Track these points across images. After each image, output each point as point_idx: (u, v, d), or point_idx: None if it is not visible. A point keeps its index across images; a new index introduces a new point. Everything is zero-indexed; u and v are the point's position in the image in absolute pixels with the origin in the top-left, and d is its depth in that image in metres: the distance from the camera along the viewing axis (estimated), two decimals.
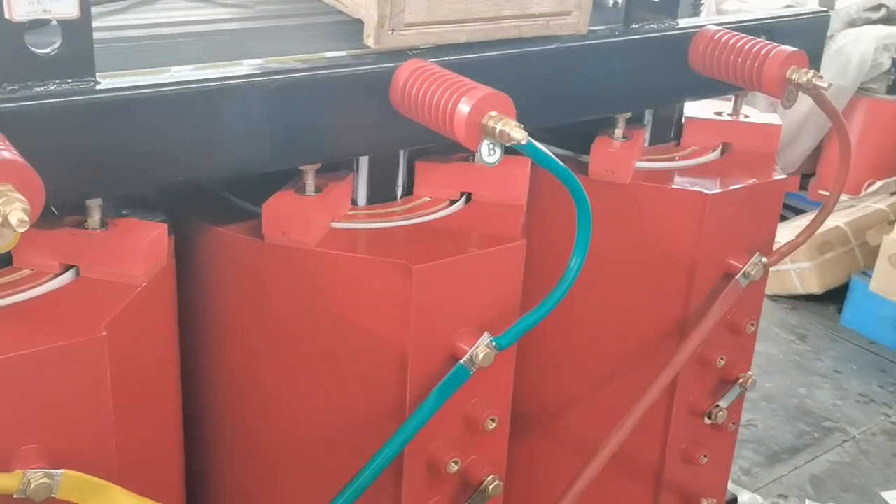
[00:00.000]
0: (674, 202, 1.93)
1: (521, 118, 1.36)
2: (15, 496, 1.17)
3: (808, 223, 2.06)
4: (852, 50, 5.23)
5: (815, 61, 1.95)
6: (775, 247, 2.06)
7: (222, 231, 1.57)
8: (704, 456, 2.12)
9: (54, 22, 1.23)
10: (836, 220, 4.64)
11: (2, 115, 1.18)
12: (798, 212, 5.14)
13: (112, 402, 1.28)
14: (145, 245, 1.39)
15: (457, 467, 1.61)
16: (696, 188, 1.91)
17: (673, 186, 1.93)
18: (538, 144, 1.36)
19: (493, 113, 1.35)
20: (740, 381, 2.09)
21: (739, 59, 1.80)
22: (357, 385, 1.59)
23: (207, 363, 1.69)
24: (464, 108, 1.36)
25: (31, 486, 1.17)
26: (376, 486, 1.51)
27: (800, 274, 4.66)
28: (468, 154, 1.76)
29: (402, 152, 1.70)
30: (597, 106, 1.83)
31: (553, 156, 1.38)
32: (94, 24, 1.27)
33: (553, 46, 1.68)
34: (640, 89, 1.86)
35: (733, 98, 2.14)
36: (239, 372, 1.67)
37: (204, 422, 1.74)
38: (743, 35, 1.82)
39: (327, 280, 1.54)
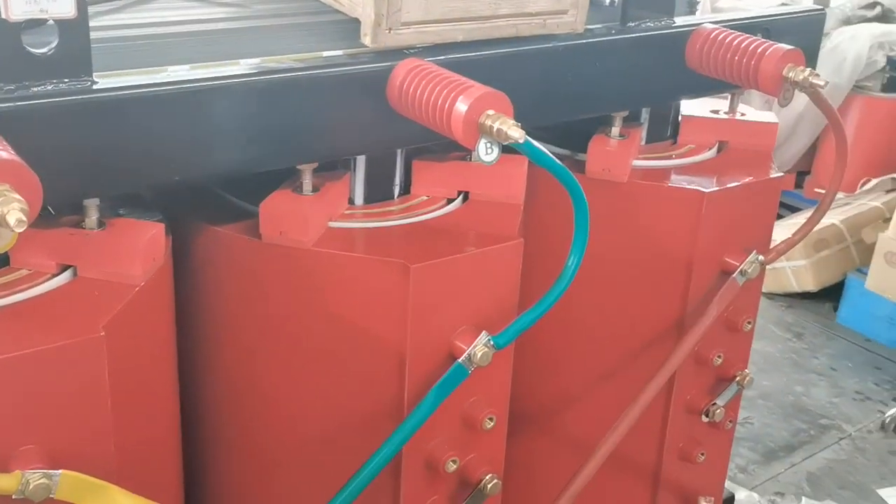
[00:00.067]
0: (671, 200, 1.93)
1: (519, 117, 1.36)
2: (14, 497, 1.17)
3: (804, 221, 2.07)
4: (847, 48, 5.24)
5: (811, 59, 1.95)
6: (772, 245, 2.07)
7: (219, 230, 1.57)
8: (702, 454, 2.12)
9: (51, 21, 1.23)
10: (832, 217, 4.65)
11: None
12: (793, 210, 5.15)
13: (110, 401, 1.28)
14: (143, 245, 1.38)
15: (455, 466, 1.61)
16: (692, 186, 1.91)
17: (670, 185, 1.93)
18: (536, 143, 1.37)
19: (491, 112, 1.35)
20: (737, 378, 2.09)
21: (736, 58, 1.80)
22: (355, 384, 1.59)
23: (205, 363, 1.69)
24: (461, 106, 1.36)
25: (30, 487, 1.17)
26: (375, 485, 1.51)
27: (796, 272, 4.67)
28: (465, 153, 1.76)
29: (399, 151, 1.70)
30: (594, 104, 1.83)
31: (551, 154, 1.38)
32: (90, 23, 1.27)
33: (550, 45, 1.68)
34: (636, 88, 1.86)
35: (730, 96, 2.14)
36: (237, 371, 1.67)
37: (202, 421, 1.73)
38: (739, 33, 1.83)
39: (325, 279, 1.54)
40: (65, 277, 1.37)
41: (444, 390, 1.53)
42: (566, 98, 1.76)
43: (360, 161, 1.66)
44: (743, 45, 1.80)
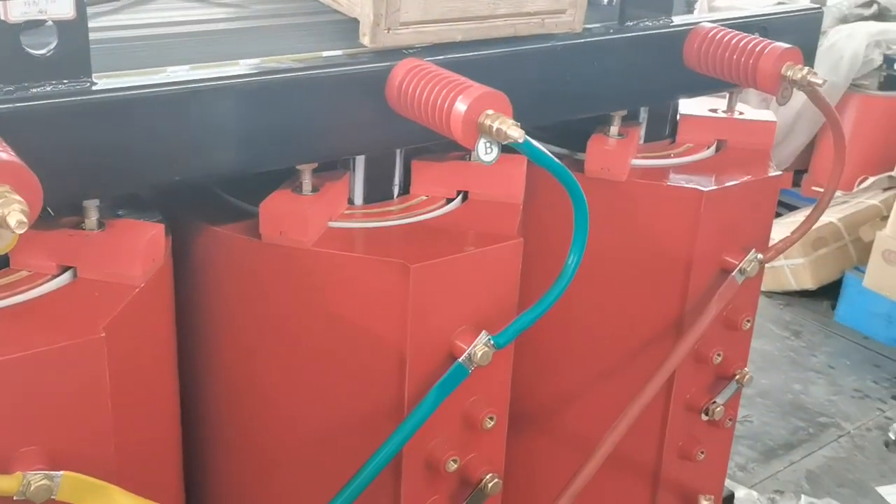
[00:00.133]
0: (669, 199, 1.93)
1: (517, 116, 1.36)
2: (15, 498, 1.17)
3: (802, 219, 2.07)
4: (844, 46, 5.25)
5: (808, 58, 1.96)
6: (770, 243, 2.07)
7: (219, 231, 1.57)
8: (701, 452, 2.12)
9: (50, 22, 1.23)
10: (830, 216, 4.66)
11: None
12: (791, 208, 5.15)
13: (111, 402, 1.28)
14: (143, 245, 1.38)
15: (455, 466, 1.62)
16: (691, 185, 1.92)
17: (668, 184, 1.93)
18: (535, 143, 1.37)
19: (490, 111, 1.35)
20: (737, 377, 2.09)
21: (734, 56, 1.80)
22: (355, 384, 1.59)
23: (205, 363, 1.69)
24: (461, 106, 1.36)
25: (32, 488, 1.17)
26: (375, 484, 1.51)
27: (794, 270, 4.68)
28: (464, 153, 1.76)
29: (398, 151, 1.70)
30: (592, 104, 1.83)
31: (550, 154, 1.38)
32: (89, 24, 1.27)
33: (548, 45, 1.68)
34: (635, 87, 1.86)
35: (728, 95, 2.14)
36: (237, 372, 1.67)
37: (202, 421, 1.73)
38: (738, 32, 1.83)
39: (325, 279, 1.54)
40: (65, 278, 1.37)
41: (445, 390, 1.53)
42: (565, 97, 1.76)
43: (360, 161, 1.66)
44: (741, 43, 1.80)
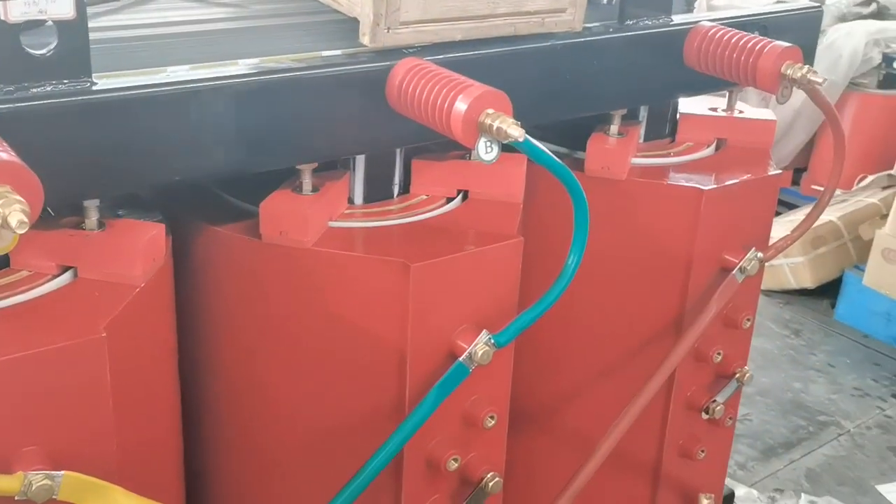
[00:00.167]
0: (670, 198, 1.93)
1: (517, 115, 1.36)
2: (16, 498, 1.17)
3: (802, 218, 2.07)
4: (843, 45, 5.25)
5: (808, 56, 1.96)
6: (770, 242, 2.07)
7: (220, 231, 1.57)
8: (702, 451, 2.12)
9: (50, 22, 1.22)
10: (829, 214, 4.66)
11: None
12: (791, 207, 5.15)
13: (112, 402, 1.28)
14: (143, 245, 1.38)
15: (456, 465, 1.62)
16: (691, 184, 1.92)
17: (668, 182, 1.94)
18: (535, 142, 1.37)
19: (490, 110, 1.35)
20: (737, 375, 2.09)
21: (734, 55, 1.80)
22: (356, 384, 1.59)
23: (206, 363, 1.69)
24: (461, 105, 1.36)
25: (33, 488, 1.17)
26: (376, 484, 1.51)
27: (793, 269, 4.68)
28: (464, 152, 1.76)
29: (398, 151, 1.70)
30: (592, 103, 1.83)
31: (550, 153, 1.38)
32: (89, 24, 1.27)
33: (548, 44, 1.68)
34: (635, 86, 1.86)
35: (727, 94, 2.14)
36: (237, 371, 1.67)
37: (203, 421, 1.73)
38: (737, 31, 1.83)
39: (325, 279, 1.54)
40: (65, 279, 1.37)
41: (445, 389, 1.53)
42: (565, 96, 1.76)
43: (360, 160, 1.66)
44: (741, 42, 1.80)
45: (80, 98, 1.24)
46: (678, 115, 2.13)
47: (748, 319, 2.05)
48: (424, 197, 1.72)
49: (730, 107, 2.15)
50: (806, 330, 4.52)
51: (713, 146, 2.11)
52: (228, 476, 1.78)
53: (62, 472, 1.20)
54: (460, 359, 1.53)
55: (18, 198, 1.04)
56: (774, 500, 3.37)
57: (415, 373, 1.54)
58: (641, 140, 2.07)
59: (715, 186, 1.91)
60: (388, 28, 1.49)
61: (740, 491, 3.34)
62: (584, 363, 2.11)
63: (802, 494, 3.39)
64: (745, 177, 1.98)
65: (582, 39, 1.72)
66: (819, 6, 2.16)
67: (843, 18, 5.46)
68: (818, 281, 4.67)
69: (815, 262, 4.65)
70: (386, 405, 1.58)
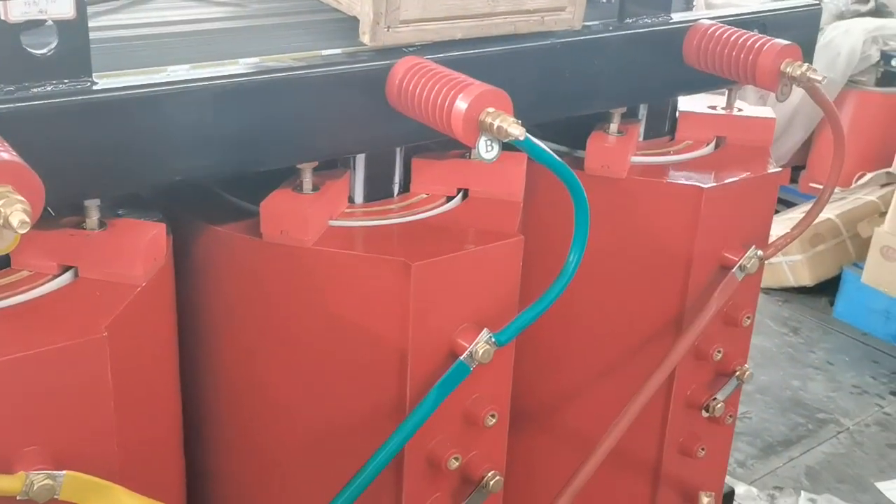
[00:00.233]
0: (669, 196, 1.93)
1: (517, 114, 1.36)
2: (18, 497, 1.17)
3: (801, 216, 2.07)
4: (841, 42, 5.25)
5: (807, 54, 1.96)
6: (769, 240, 2.07)
7: (220, 230, 1.57)
8: (702, 449, 2.12)
9: (50, 22, 1.22)
10: (828, 212, 4.66)
11: None
12: (789, 205, 5.16)
13: (113, 402, 1.28)
14: (144, 245, 1.38)
15: (457, 464, 1.62)
16: (691, 182, 1.92)
17: (668, 181, 1.94)
18: (536, 140, 1.37)
19: (491, 109, 1.35)
20: (737, 373, 2.09)
21: (734, 53, 1.80)
22: (357, 383, 1.59)
23: (206, 362, 1.69)
24: (461, 104, 1.36)
25: (35, 488, 1.17)
26: (377, 483, 1.52)
27: (792, 266, 4.68)
28: (464, 150, 1.76)
29: (398, 149, 1.70)
30: (592, 101, 1.83)
31: (551, 152, 1.38)
32: (89, 24, 1.27)
33: (548, 42, 1.68)
34: (634, 84, 1.86)
35: (727, 92, 2.14)
36: (238, 371, 1.67)
37: (204, 421, 1.73)
38: (736, 29, 1.83)
39: (326, 278, 1.54)
40: (66, 278, 1.37)
41: (446, 388, 1.53)
42: (564, 95, 1.76)
43: (360, 159, 1.66)
44: (740, 40, 1.80)
45: (80, 98, 1.24)
46: (677, 114, 2.13)
47: (748, 317, 2.06)
48: (425, 196, 1.72)
49: (729, 105, 2.15)
50: (805, 328, 4.52)
51: (712, 144, 2.11)
52: (229, 476, 1.78)
53: (64, 471, 1.20)
54: (461, 357, 1.53)
55: (20, 198, 1.04)
56: (774, 497, 3.38)
57: (415, 372, 1.54)
58: (641, 138, 2.07)
59: (715, 184, 1.92)
60: (389, 27, 1.49)
61: (740, 489, 3.34)
62: (584, 362, 2.11)
63: (802, 492, 3.39)
64: (744, 175, 1.98)
65: (581, 38, 1.72)
66: (818, 4, 2.16)
67: (842, 16, 5.46)
68: (817, 279, 4.67)
69: (814, 260, 4.65)
70: (387, 404, 1.58)
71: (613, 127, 1.95)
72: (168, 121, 1.32)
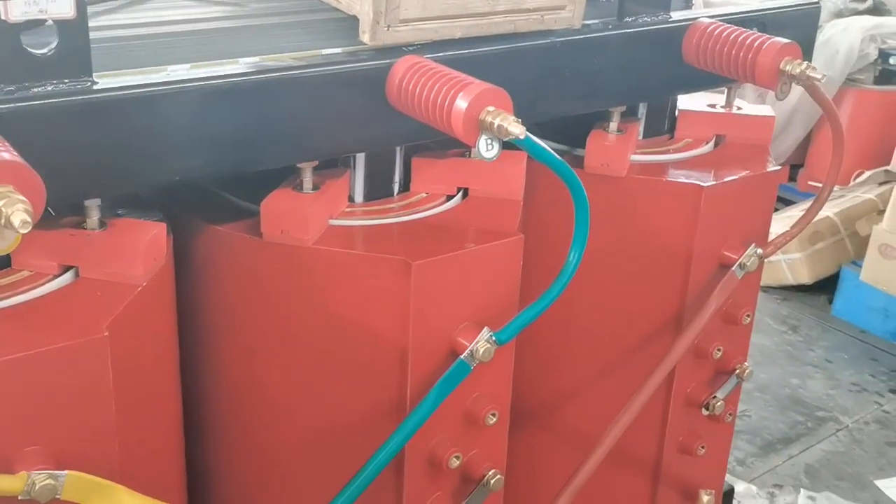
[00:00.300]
0: (669, 195, 1.93)
1: (517, 113, 1.36)
2: (20, 497, 1.17)
3: (800, 214, 2.07)
4: (840, 41, 5.26)
5: (806, 53, 1.96)
6: (769, 238, 2.07)
7: (220, 230, 1.57)
8: (702, 447, 2.12)
9: (50, 22, 1.22)
10: (826, 210, 4.66)
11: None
12: (787, 203, 5.16)
13: (114, 401, 1.28)
14: (144, 245, 1.38)
15: (458, 462, 1.62)
16: (690, 181, 1.92)
17: (668, 179, 1.94)
18: (535, 139, 1.37)
19: (491, 108, 1.35)
20: (737, 371, 2.09)
21: (733, 52, 1.80)
22: (357, 382, 1.60)
23: (207, 362, 1.69)
24: (461, 103, 1.36)
25: (36, 488, 1.17)
26: (378, 482, 1.52)
27: (790, 265, 4.68)
28: (464, 149, 1.76)
29: (398, 149, 1.70)
30: (592, 100, 1.83)
31: (551, 150, 1.38)
32: (88, 23, 1.27)
33: (547, 41, 1.68)
34: (634, 82, 1.86)
35: (726, 90, 2.15)
36: (238, 370, 1.67)
37: (204, 420, 1.73)
38: (736, 27, 1.83)
39: (326, 277, 1.54)
40: (67, 278, 1.37)
41: (447, 387, 1.53)
42: (564, 93, 1.76)
43: (360, 159, 1.66)
44: (740, 39, 1.80)
45: (81, 97, 1.24)
46: (677, 112, 2.13)
47: (748, 315, 2.06)
48: (425, 195, 1.72)
49: (728, 103, 2.15)
50: (803, 326, 4.52)
51: (712, 143, 2.11)
52: (230, 475, 1.78)
53: (65, 471, 1.20)
54: (462, 356, 1.53)
55: (21, 197, 1.04)
56: (773, 495, 3.38)
57: (416, 371, 1.54)
58: (640, 137, 2.07)
59: (714, 183, 1.92)
60: (388, 26, 1.49)
61: (739, 487, 3.34)
62: (583, 360, 2.12)
63: (801, 490, 3.39)
64: (744, 173, 1.98)
65: (581, 36, 1.72)
66: (817, 2, 2.16)
67: (840, 14, 5.47)
68: (815, 277, 4.68)
69: (813, 258, 4.65)
70: (387, 403, 1.58)
71: (613, 125, 1.95)
72: (168, 120, 1.32)
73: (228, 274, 1.61)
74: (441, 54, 1.52)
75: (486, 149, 1.37)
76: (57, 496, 1.19)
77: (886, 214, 4.30)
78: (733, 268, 1.94)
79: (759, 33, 1.82)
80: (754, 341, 2.18)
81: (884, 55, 5.30)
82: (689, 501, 2.21)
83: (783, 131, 5.39)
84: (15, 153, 1.09)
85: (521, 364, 1.72)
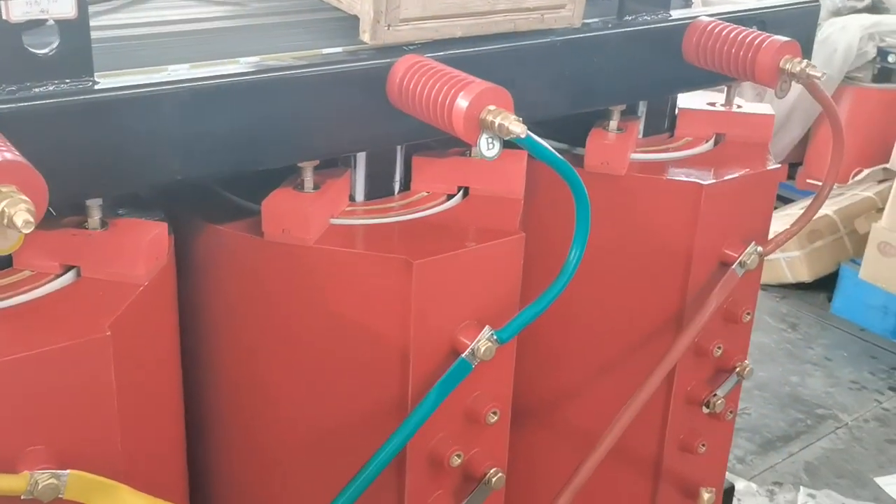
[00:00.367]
0: (669, 193, 1.93)
1: (517, 112, 1.36)
2: (23, 497, 1.17)
3: (799, 212, 2.07)
4: (838, 39, 5.26)
5: (806, 51, 1.96)
6: (769, 236, 2.08)
7: (221, 229, 1.57)
8: (703, 445, 2.13)
9: (52, 22, 1.22)
10: (825, 208, 4.66)
11: (1, 116, 1.18)
12: (786, 201, 5.16)
13: (116, 401, 1.28)
14: (146, 244, 1.39)
15: (459, 461, 1.62)
16: (691, 179, 1.92)
17: (668, 178, 1.94)
18: (536, 138, 1.37)
19: (492, 107, 1.36)
20: (737, 369, 2.10)
21: (733, 50, 1.81)
22: (359, 381, 1.60)
23: (208, 361, 1.69)
24: (462, 102, 1.36)
25: (39, 487, 1.17)
26: (380, 480, 1.52)
27: (789, 263, 4.69)
28: (464, 148, 1.76)
29: (399, 148, 1.70)
30: (592, 98, 1.83)
31: (552, 149, 1.39)
32: (90, 23, 1.27)
33: (548, 40, 1.68)
34: (634, 81, 1.87)
35: (726, 89, 2.15)
36: (239, 369, 1.67)
37: (206, 420, 1.73)
38: (736, 26, 1.83)
39: (327, 276, 1.55)
40: (68, 278, 1.37)
41: (448, 386, 1.53)
42: (564, 92, 1.76)
43: (361, 158, 1.66)
44: (739, 37, 1.81)
45: (82, 97, 1.25)
46: (677, 110, 2.13)
47: (748, 313, 2.06)
48: (425, 194, 1.72)
49: (728, 101, 2.16)
50: (803, 324, 4.53)
51: (712, 141, 2.12)
52: (231, 474, 1.78)
53: (68, 471, 1.20)
54: (463, 355, 1.53)
55: (24, 197, 1.04)
56: (773, 493, 3.38)
57: (417, 369, 1.55)
58: (640, 135, 2.08)
59: (714, 181, 1.92)
60: (389, 25, 1.49)
61: (739, 485, 3.35)
62: (584, 359, 2.12)
63: (801, 487, 3.40)
64: (744, 171, 1.98)
65: (581, 35, 1.72)
66: (816, 0, 2.17)
67: (838, 13, 5.47)
68: (815, 275, 4.68)
69: (812, 256, 4.66)
70: (389, 402, 1.58)
71: (613, 124, 1.95)
72: (169, 120, 1.32)
73: (229, 273, 1.61)
74: (441, 53, 1.52)
75: (487, 148, 1.37)
76: (60, 495, 1.19)
77: (885, 212, 4.30)
78: (733, 266, 1.95)
79: (759, 31, 1.82)
80: (753, 339, 2.19)
81: (882, 53, 5.30)
82: (690, 499, 2.21)
83: (781, 130, 5.40)
84: (17, 153, 1.09)
85: (521, 363, 1.72)
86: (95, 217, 1.40)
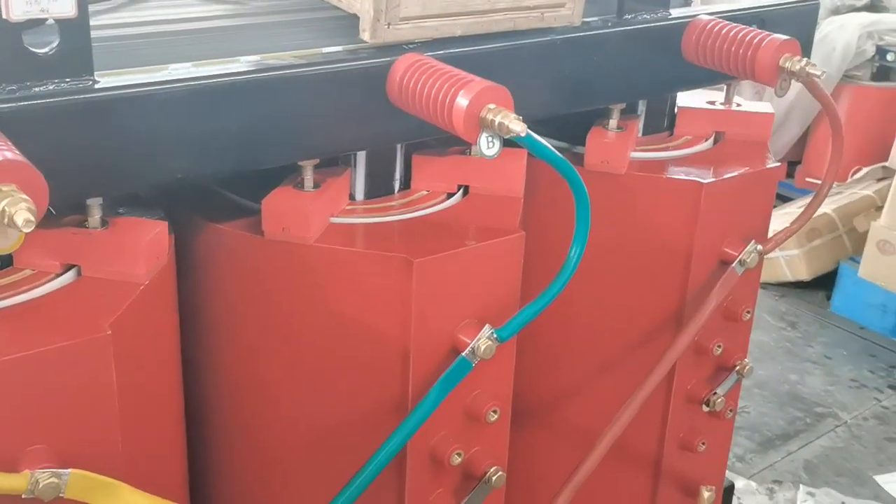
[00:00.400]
0: (669, 192, 1.93)
1: (517, 110, 1.36)
2: (24, 496, 1.17)
3: (798, 210, 2.08)
4: (837, 37, 5.26)
5: (805, 49, 1.96)
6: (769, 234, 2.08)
7: (222, 228, 1.57)
8: (703, 443, 2.13)
9: (52, 21, 1.22)
10: (824, 207, 4.66)
11: (1, 116, 1.18)
12: (785, 199, 5.16)
13: (117, 400, 1.28)
14: (146, 243, 1.38)
15: (460, 459, 1.62)
16: (690, 177, 1.92)
17: (668, 176, 1.94)
18: (536, 136, 1.37)
19: (492, 105, 1.36)
20: (737, 368, 2.10)
21: (732, 49, 1.81)
22: (359, 380, 1.60)
23: (209, 360, 1.69)
24: (462, 101, 1.36)
25: (40, 486, 1.17)
26: (380, 479, 1.52)
27: (789, 261, 4.69)
28: (464, 147, 1.76)
29: (399, 146, 1.70)
30: (591, 97, 1.83)
31: (552, 148, 1.39)
32: (90, 22, 1.27)
33: (547, 38, 1.68)
34: (634, 80, 1.87)
35: (725, 87, 2.15)
36: (240, 368, 1.67)
37: (206, 419, 1.73)
38: (735, 24, 1.83)
39: (327, 275, 1.55)
40: (69, 277, 1.37)
41: (449, 384, 1.53)
42: (564, 91, 1.76)
43: (361, 156, 1.66)
44: (739, 35, 1.81)
45: (82, 96, 1.25)
46: (676, 109, 2.13)
47: (748, 312, 2.06)
48: (425, 192, 1.72)
49: (728, 100, 2.16)
50: (802, 322, 4.53)
51: (711, 139, 2.12)
52: (232, 473, 1.78)
53: (69, 469, 1.20)
54: (463, 354, 1.53)
55: (24, 196, 1.04)
56: (773, 491, 3.39)
57: (418, 368, 1.55)
58: (640, 134, 2.08)
59: (714, 180, 1.92)
60: (389, 24, 1.49)
61: (739, 483, 3.35)
62: (584, 357, 2.12)
63: (801, 486, 3.40)
64: (743, 170, 1.98)
65: (581, 34, 1.73)
66: None
67: (837, 11, 5.47)
68: (814, 273, 4.68)
69: (811, 255, 4.66)
70: (389, 401, 1.58)
71: (613, 123, 1.95)
72: (170, 119, 1.32)
73: (230, 272, 1.61)
74: (441, 52, 1.52)
75: (487, 146, 1.37)
76: (60, 495, 1.19)
77: (884, 210, 4.30)
78: (733, 264, 1.95)
79: (759, 30, 1.82)
80: (753, 338, 2.19)
81: (881, 52, 5.31)
82: (690, 498, 2.22)
83: (780, 128, 5.40)
84: (17, 152, 1.09)
85: (521, 361, 1.72)
86: (96, 216, 1.40)
